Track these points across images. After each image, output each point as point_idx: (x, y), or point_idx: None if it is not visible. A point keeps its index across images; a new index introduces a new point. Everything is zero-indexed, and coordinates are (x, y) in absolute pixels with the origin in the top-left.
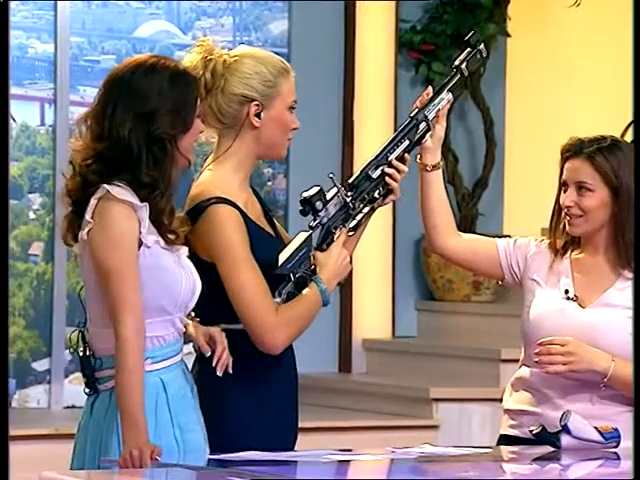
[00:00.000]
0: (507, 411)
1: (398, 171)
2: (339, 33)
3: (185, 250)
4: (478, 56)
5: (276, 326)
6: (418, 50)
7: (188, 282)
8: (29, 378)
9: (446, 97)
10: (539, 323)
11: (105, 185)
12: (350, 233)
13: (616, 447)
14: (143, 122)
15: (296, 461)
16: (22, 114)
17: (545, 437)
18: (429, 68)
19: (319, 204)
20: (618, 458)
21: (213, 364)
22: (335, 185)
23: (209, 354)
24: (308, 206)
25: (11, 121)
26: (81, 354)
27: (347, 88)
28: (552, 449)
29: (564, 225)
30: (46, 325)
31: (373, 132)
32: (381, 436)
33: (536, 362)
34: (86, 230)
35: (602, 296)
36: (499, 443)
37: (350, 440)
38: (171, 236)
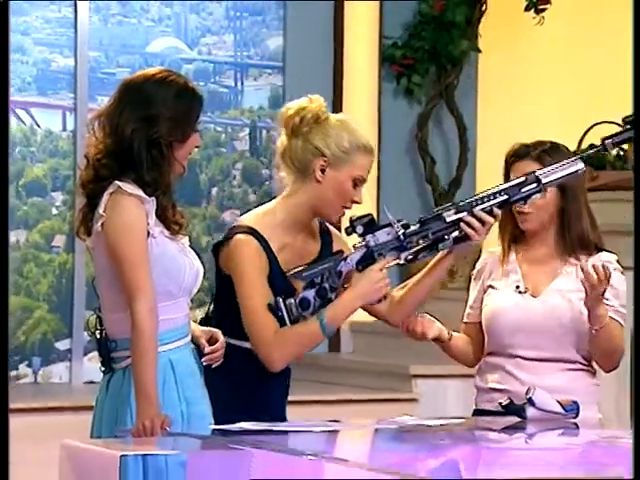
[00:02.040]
0: (479, 389)
1: (482, 222)
2: (329, 48)
3: (187, 240)
4: (627, 136)
5: (271, 347)
6: (399, 64)
7: (192, 268)
8: (52, 356)
9: (576, 167)
10: (498, 319)
11: (117, 182)
12: (400, 262)
13: (575, 418)
14: (145, 125)
15: (291, 431)
16: (46, 121)
17: (512, 409)
18: (409, 80)
19: (359, 228)
20: (577, 427)
21: (205, 355)
22: (389, 219)
23: (206, 350)
24: (351, 228)
25: (36, 127)
26: (98, 337)
27: (336, 98)
28: (519, 419)
29: (510, 223)
30: (67, 309)
31: None
32: (366, 408)
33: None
34: (99, 223)
35: (552, 284)
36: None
37: (339, 412)
38: (175, 227)
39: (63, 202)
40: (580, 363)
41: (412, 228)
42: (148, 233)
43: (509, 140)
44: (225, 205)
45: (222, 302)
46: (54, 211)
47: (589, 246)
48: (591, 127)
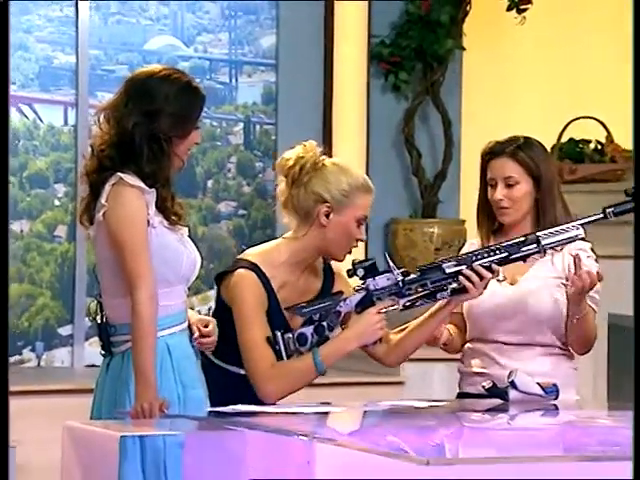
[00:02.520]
0: (462, 373)
1: (481, 277)
2: (319, 46)
3: (186, 230)
4: (628, 207)
5: (266, 379)
6: (387, 61)
7: (189, 257)
8: (55, 341)
9: (576, 232)
10: (477, 307)
11: (118, 173)
12: (398, 307)
13: (555, 399)
14: (146, 119)
15: (284, 412)
16: (48, 116)
17: (495, 391)
18: (396, 77)
19: (360, 271)
20: (557, 409)
21: (196, 340)
22: (389, 265)
23: (196, 335)
24: (353, 270)
25: (39, 121)
26: (99, 322)
27: (326, 94)
28: (501, 402)
29: (488, 217)
30: (69, 296)
31: (348, 131)
32: (356, 391)
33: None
34: (101, 212)
35: (528, 271)
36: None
37: (330, 394)
38: (174, 218)
39: (65, 194)
40: (558, 347)
41: (412, 276)
42: (148, 223)
43: (492, 135)
44: (220, 197)
45: (221, 328)
46: (56, 202)
47: None
48: (569, 122)
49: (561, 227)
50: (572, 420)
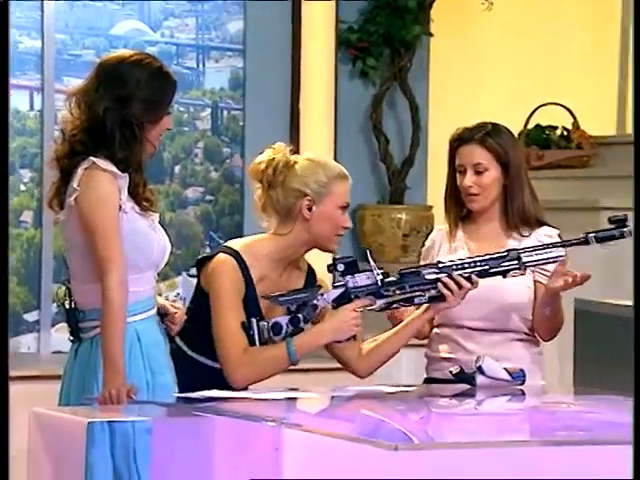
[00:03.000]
0: (429, 358)
1: (459, 286)
2: (287, 32)
3: (156, 216)
4: (611, 234)
5: (238, 364)
6: (355, 47)
7: (160, 244)
8: (21, 327)
9: (557, 253)
10: None
11: (91, 157)
12: (374, 308)
13: (522, 385)
14: (118, 104)
15: (252, 398)
16: (14, 101)
17: (462, 377)
18: (364, 63)
19: (340, 266)
20: (523, 394)
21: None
22: (369, 264)
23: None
24: (333, 266)
25: None
26: (67, 307)
27: (294, 79)
28: (469, 387)
29: (456, 203)
30: (35, 282)
31: (316, 117)
32: (324, 376)
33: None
34: (73, 197)
35: None
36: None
37: (298, 380)
38: (146, 203)
39: (31, 179)
40: (524, 333)
41: (391, 278)
42: (120, 208)
43: (459, 121)
44: (188, 182)
45: (197, 315)
46: (22, 187)
47: (530, 220)
48: (536, 109)
49: (543, 246)
50: (539, 405)
